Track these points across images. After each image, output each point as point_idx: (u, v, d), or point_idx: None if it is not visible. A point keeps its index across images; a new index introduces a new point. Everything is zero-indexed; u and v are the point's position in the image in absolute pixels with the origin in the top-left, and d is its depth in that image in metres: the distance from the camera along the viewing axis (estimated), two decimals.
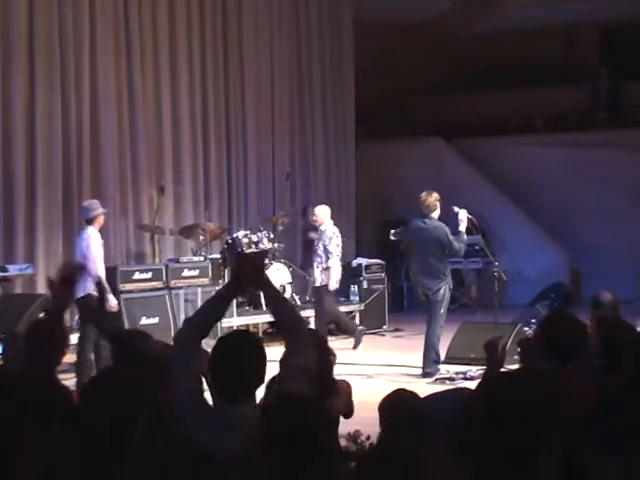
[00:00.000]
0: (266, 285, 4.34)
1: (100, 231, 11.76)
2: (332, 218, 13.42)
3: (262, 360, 4.05)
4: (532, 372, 4.60)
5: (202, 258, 13.26)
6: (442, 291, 11.12)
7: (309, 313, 14.18)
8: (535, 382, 3.43)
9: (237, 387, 3.96)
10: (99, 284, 10.41)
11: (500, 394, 3.35)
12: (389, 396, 4.47)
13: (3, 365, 5.27)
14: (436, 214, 11.20)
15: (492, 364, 4.98)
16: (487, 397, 3.41)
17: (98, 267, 10.52)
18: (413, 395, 4.51)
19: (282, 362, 4.37)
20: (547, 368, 4.71)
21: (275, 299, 4.34)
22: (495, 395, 3.36)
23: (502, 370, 4.90)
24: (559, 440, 3.58)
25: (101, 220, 10.84)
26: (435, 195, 11.26)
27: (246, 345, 4.09)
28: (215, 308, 4.39)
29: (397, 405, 4.40)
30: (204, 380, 4.39)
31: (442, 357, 11.26)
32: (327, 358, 5.18)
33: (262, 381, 4.06)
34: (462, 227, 11.18)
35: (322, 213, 13.28)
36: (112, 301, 10.54)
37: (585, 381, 4.58)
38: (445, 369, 10.95)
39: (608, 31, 20.25)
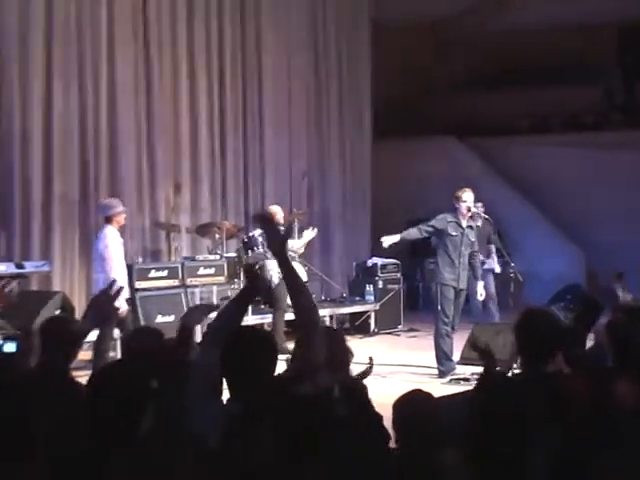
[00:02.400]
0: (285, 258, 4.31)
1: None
2: (347, 217, 13.33)
3: (272, 356, 4.06)
4: (528, 375, 4.62)
5: (218, 256, 13.28)
6: (434, 287, 11.27)
7: (325, 313, 14.23)
8: (528, 386, 3.44)
9: (247, 383, 3.97)
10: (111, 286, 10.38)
11: (494, 399, 3.36)
12: (403, 396, 4.47)
13: (15, 363, 5.29)
14: (459, 212, 11.14)
15: (486, 361, 5.01)
16: (482, 401, 3.42)
17: (115, 269, 10.53)
18: (427, 396, 4.50)
19: (294, 356, 4.39)
20: (533, 369, 4.72)
21: (292, 277, 4.32)
22: (490, 399, 3.37)
23: (499, 374, 4.90)
24: (556, 442, 3.58)
25: (121, 219, 10.74)
26: (456, 192, 11.24)
27: (256, 341, 4.10)
28: (235, 312, 4.41)
29: (409, 406, 4.40)
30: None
31: (457, 358, 11.26)
32: (343, 355, 5.14)
33: (272, 377, 4.07)
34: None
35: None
36: (123, 306, 10.00)
37: (585, 383, 4.57)
38: (461, 370, 10.94)
39: (624, 31, 20.19)
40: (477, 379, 5.27)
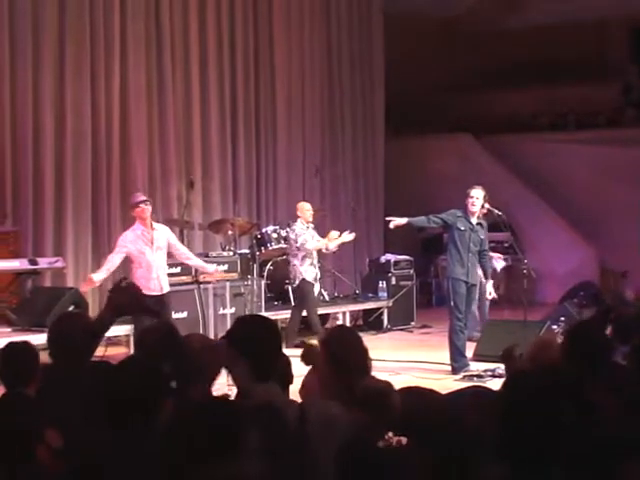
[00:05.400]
0: None
1: (129, 226, 11.83)
2: (360, 213, 13.30)
3: (277, 341, 4.11)
4: (552, 374, 4.59)
5: (231, 253, 13.27)
6: (445, 283, 11.38)
7: (338, 309, 14.24)
8: (553, 385, 3.42)
9: (258, 367, 3.99)
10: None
11: (519, 395, 3.34)
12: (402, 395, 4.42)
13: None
14: (468, 209, 11.13)
15: (510, 372, 5.00)
16: (507, 398, 3.40)
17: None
18: (422, 392, 4.46)
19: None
20: (567, 368, 4.71)
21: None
22: (514, 396, 3.35)
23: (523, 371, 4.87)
24: (585, 443, 3.55)
25: (141, 212, 10.56)
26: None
27: (262, 326, 4.15)
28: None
29: (410, 409, 4.36)
30: (225, 370, 4.43)
31: (470, 354, 11.25)
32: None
33: (280, 361, 4.11)
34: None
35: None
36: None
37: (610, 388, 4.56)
38: (473, 366, 10.93)
39: (638, 28, 20.08)
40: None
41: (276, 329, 4.23)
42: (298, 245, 12.62)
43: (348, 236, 13.11)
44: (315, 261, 12.71)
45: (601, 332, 5.43)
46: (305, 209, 12.89)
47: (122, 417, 3.72)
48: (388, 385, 4.62)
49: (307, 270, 12.52)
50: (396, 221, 11.18)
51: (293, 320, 12.95)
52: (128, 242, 10.42)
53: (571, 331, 5.24)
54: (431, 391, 4.45)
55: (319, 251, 13.07)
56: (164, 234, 10.69)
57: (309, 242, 12.65)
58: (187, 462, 3.37)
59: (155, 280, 10.51)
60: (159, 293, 10.56)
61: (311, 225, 12.86)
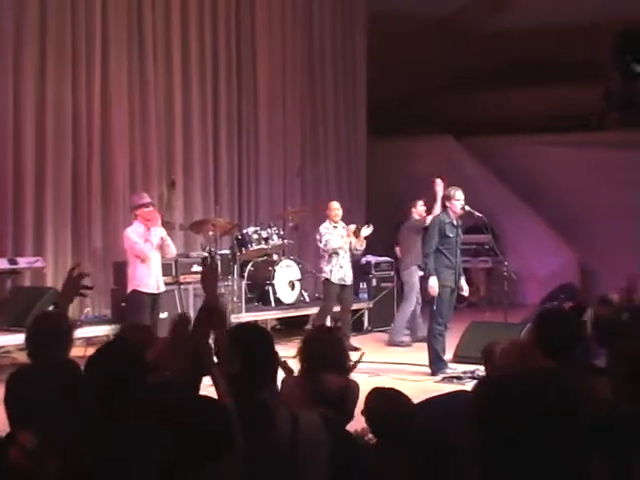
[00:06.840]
0: None
1: (110, 226, 11.81)
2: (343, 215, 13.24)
3: (272, 349, 4.10)
4: (535, 372, 4.59)
5: None
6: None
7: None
8: (539, 382, 3.41)
9: (253, 375, 3.99)
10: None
11: (501, 396, 3.33)
12: (367, 405, 4.41)
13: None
14: (451, 211, 11.11)
15: (491, 369, 5.00)
16: (488, 400, 3.39)
17: (136, 266, 10.66)
18: (389, 395, 4.46)
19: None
20: (547, 367, 4.71)
21: None
22: (496, 397, 3.34)
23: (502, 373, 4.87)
24: (568, 442, 3.56)
25: (144, 213, 10.75)
26: (447, 191, 11.25)
27: (256, 334, 4.15)
28: None
29: (375, 406, 4.36)
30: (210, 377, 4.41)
31: (450, 356, 11.26)
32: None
33: (275, 370, 4.10)
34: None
35: None
36: None
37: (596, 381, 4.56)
38: (453, 368, 10.94)
39: (623, 31, 20.15)
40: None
41: (269, 338, 4.21)
42: (322, 245, 12.65)
43: (367, 230, 13.00)
44: (343, 261, 12.69)
45: (571, 314, 5.45)
46: (332, 208, 12.95)
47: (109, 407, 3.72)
48: (347, 382, 4.64)
49: (332, 270, 12.55)
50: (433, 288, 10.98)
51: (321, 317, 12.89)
52: (138, 237, 10.55)
53: (539, 315, 5.25)
54: (397, 392, 4.46)
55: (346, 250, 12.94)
56: (159, 233, 10.83)
57: (332, 241, 12.63)
58: (180, 462, 3.36)
59: (153, 278, 10.68)
60: (156, 291, 10.72)
61: (340, 224, 12.86)
